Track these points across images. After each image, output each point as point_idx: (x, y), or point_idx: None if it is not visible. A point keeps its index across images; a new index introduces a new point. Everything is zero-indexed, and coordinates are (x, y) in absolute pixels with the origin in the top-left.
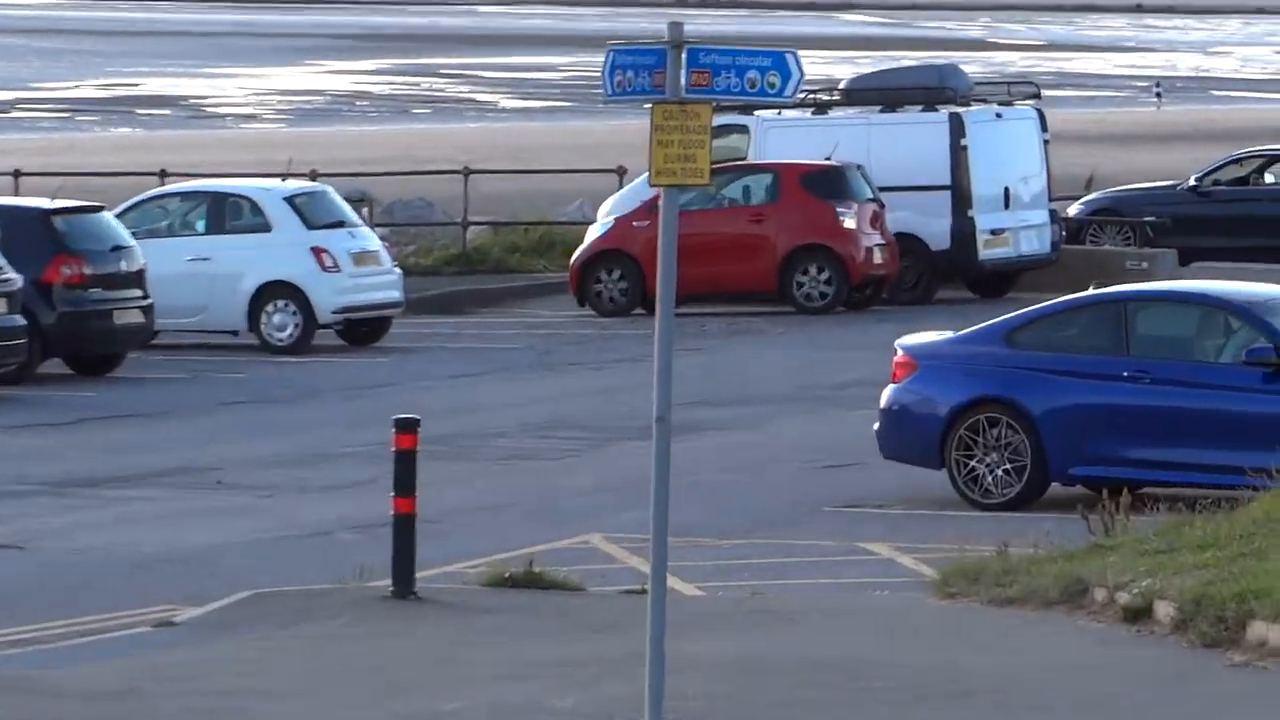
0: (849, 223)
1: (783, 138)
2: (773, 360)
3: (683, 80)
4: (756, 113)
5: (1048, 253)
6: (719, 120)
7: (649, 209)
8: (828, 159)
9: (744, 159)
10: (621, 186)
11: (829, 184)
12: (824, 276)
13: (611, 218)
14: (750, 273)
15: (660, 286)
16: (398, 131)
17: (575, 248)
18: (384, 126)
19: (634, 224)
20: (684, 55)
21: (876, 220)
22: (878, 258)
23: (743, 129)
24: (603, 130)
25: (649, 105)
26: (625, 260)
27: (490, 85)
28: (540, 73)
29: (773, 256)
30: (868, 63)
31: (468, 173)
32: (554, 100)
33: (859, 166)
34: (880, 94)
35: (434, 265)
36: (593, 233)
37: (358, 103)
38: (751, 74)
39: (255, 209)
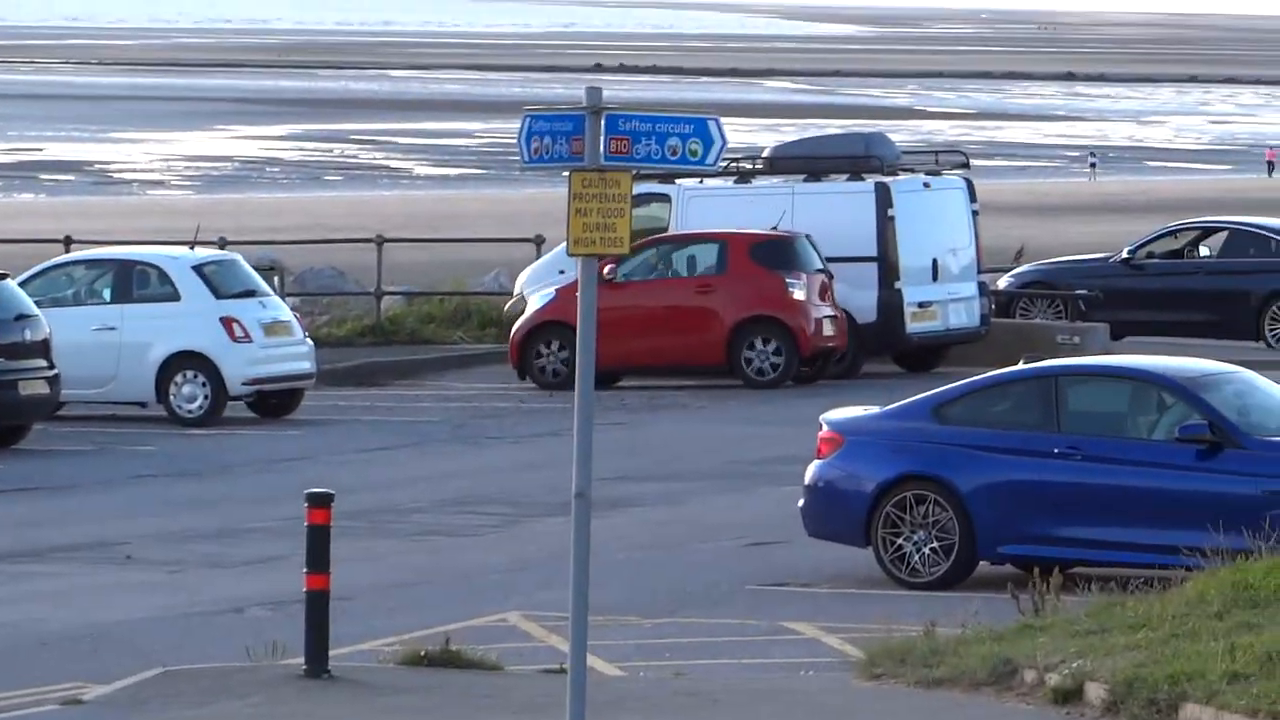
0: (799, 294)
1: (705, 207)
2: (696, 435)
3: (602, 147)
4: (678, 181)
5: (977, 326)
6: (639, 189)
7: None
8: (774, 229)
9: (665, 228)
10: (539, 256)
11: (778, 254)
12: (773, 349)
13: (553, 289)
14: (697, 345)
15: (579, 358)
16: (309, 199)
17: (491, 318)
18: (295, 194)
19: (577, 295)
20: (603, 121)
21: (825, 292)
22: (827, 330)
23: (664, 198)
24: (520, 198)
25: (567, 173)
26: (568, 332)
27: (404, 152)
28: (455, 139)
29: (721, 328)
30: (791, 130)
31: (381, 241)
32: (469, 167)
33: (807, 236)
34: (805, 162)
35: (347, 336)
36: (534, 304)
37: (268, 169)
38: (673, 141)
39: (163, 277)
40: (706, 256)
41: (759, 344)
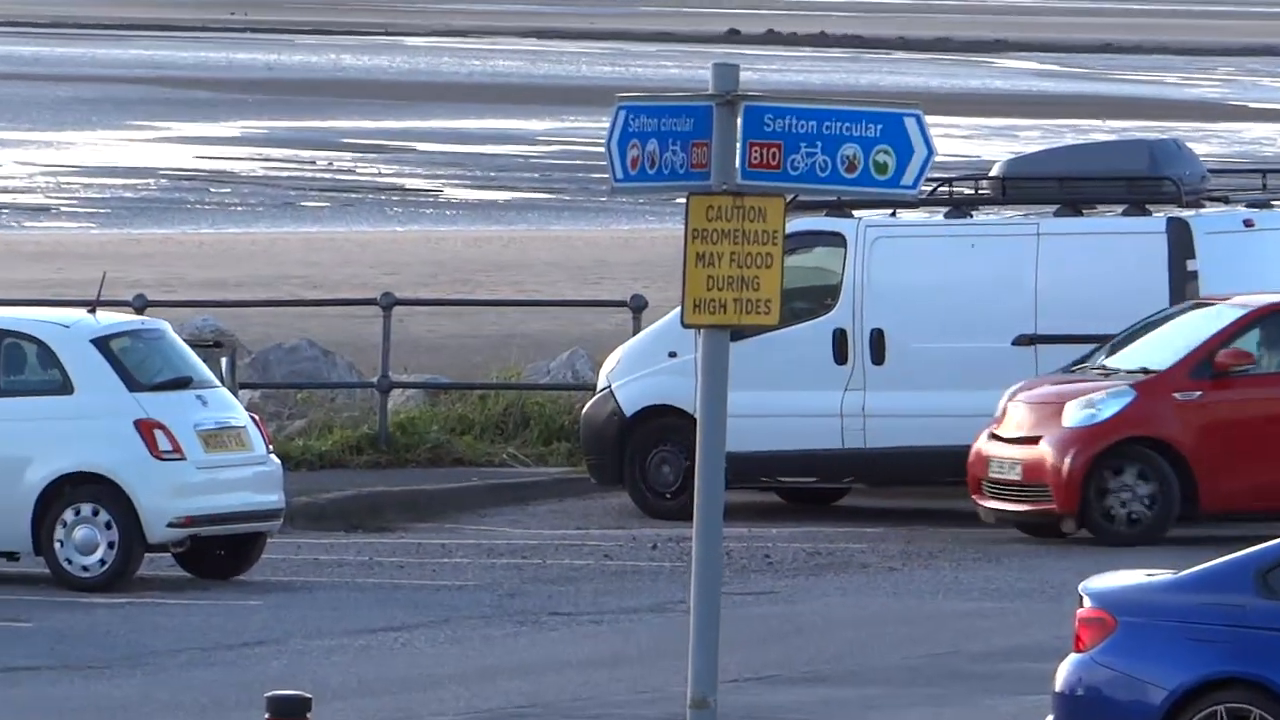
0: None
1: (899, 253)
2: (880, 613)
3: (739, 158)
4: (856, 213)
5: None
6: (796, 225)
7: (1195, 367)
8: None
9: (837, 285)
10: (637, 329)
11: None
12: None
13: (1128, 386)
14: None
15: (699, 490)
16: (276, 237)
17: (561, 425)
18: (254, 229)
19: (1174, 395)
20: (740, 117)
21: None
22: None
23: (836, 238)
24: (606, 239)
25: (683, 197)
26: (1155, 453)
27: (427, 165)
28: (506, 146)
29: None
30: (1035, 136)
31: (390, 304)
32: (527, 190)
33: None
34: (1056, 186)
35: (334, 451)
36: (1095, 411)
37: (213, 189)
38: (849, 149)
39: (47, 357)
40: None
41: None
